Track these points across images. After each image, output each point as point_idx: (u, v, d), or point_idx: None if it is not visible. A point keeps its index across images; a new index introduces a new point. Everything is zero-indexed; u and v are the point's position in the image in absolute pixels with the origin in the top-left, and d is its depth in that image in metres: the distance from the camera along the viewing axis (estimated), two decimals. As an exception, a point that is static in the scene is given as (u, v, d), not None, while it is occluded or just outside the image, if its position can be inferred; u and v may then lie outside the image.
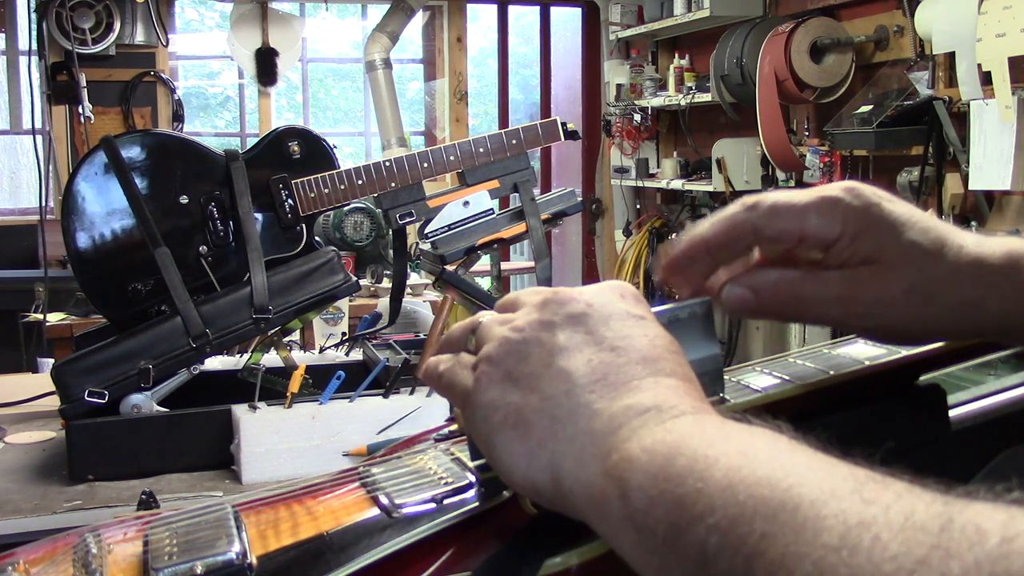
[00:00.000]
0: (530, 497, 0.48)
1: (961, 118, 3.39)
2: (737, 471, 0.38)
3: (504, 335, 0.50)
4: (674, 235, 5.50)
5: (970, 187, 3.38)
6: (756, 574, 0.34)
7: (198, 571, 0.51)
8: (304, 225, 1.75)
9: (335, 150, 1.81)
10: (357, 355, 2.00)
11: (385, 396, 1.60)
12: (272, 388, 1.66)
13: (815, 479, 0.36)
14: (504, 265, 4.22)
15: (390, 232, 2.64)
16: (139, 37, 5.54)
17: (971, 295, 0.54)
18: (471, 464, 0.58)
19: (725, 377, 0.59)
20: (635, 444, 0.42)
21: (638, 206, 5.99)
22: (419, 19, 6.21)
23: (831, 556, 0.33)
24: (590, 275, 6.34)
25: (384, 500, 0.57)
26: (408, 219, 1.80)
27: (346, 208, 4.08)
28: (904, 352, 0.63)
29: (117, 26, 5.39)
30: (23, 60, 5.06)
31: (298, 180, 1.74)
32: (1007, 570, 0.29)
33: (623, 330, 0.48)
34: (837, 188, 0.55)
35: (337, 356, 2.00)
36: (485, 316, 0.53)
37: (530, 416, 0.46)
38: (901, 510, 0.33)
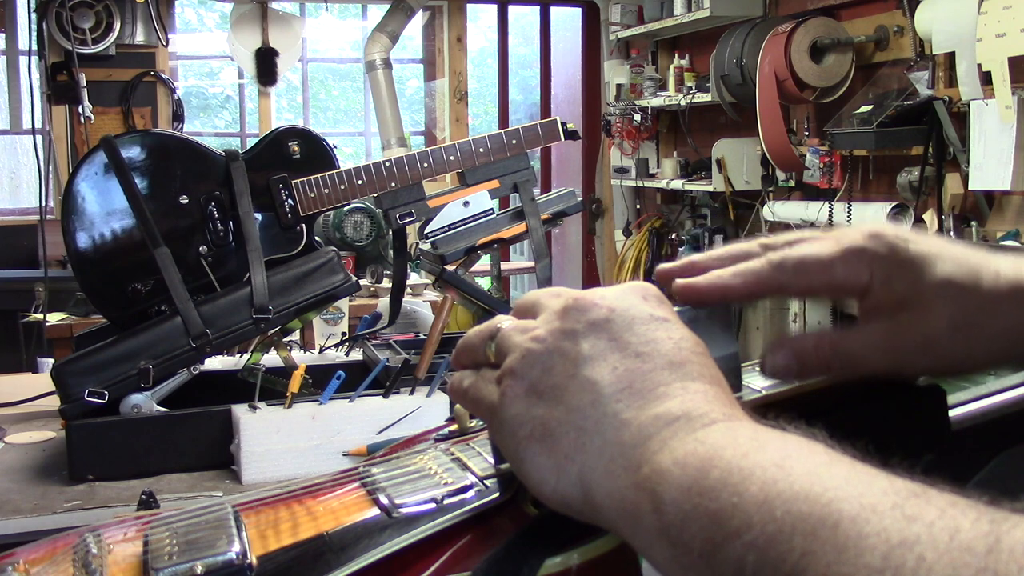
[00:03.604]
0: (562, 511, 0.47)
1: (961, 118, 3.39)
2: (773, 484, 0.37)
3: (526, 346, 0.48)
4: (673, 235, 5.52)
5: (970, 187, 3.38)
6: None
7: (198, 571, 0.51)
8: (304, 225, 1.75)
9: (335, 150, 1.81)
10: (357, 355, 2.00)
11: (385, 396, 1.60)
12: (272, 388, 1.67)
13: (854, 493, 0.35)
14: (504, 265, 4.22)
15: (390, 232, 2.64)
16: (139, 37, 5.54)
17: (1016, 320, 0.53)
18: (498, 467, 0.57)
19: None
20: (667, 456, 0.41)
21: (638, 206, 5.99)
22: (419, 19, 6.21)
23: None
24: (590, 275, 6.34)
25: (384, 500, 0.57)
26: (408, 219, 1.80)
27: (346, 208, 4.08)
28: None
29: (117, 26, 5.39)
30: (23, 60, 5.05)
31: (298, 180, 1.74)
32: None
33: (647, 334, 0.47)
34: (861, 236, 0.54)
35: (337, 356, 2.00)
36: (504, 322, 0.52)
37: (556, 429, 0.46)
38: (945, 527, 0.32)
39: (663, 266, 0.57)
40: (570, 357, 0.47)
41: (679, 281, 0.55)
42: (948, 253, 0.54)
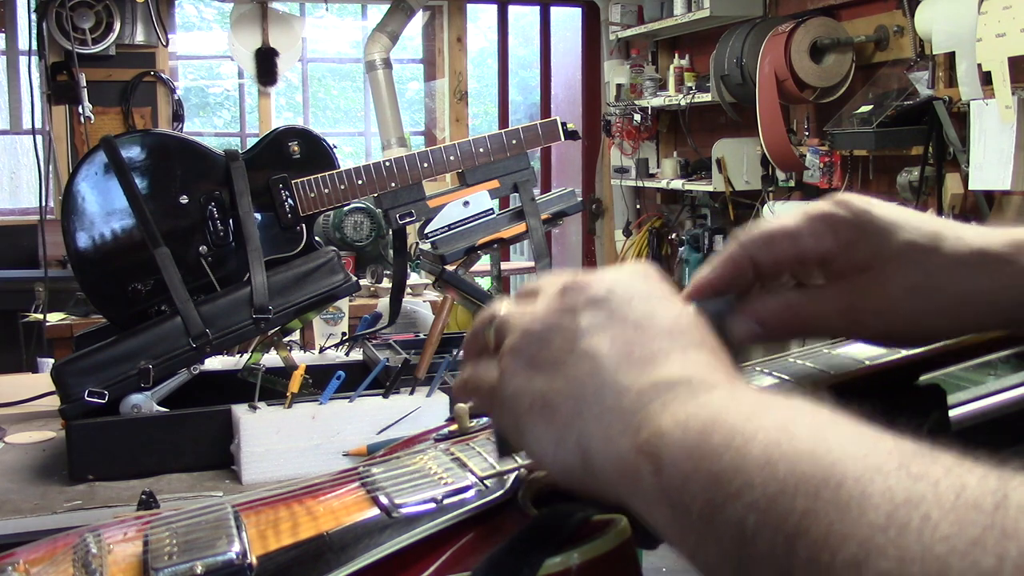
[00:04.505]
0: (562, 481, 0.47)
1: (961, 118, 3.39)
2: (776, 446, 0.36)
3: (525, 325, 0.49)
4: (673, 236, 5.52)
5: (970, 187, 3.38)
6: (798, 554, 0.33)
7: (198, 571, 0.51)
8: (304, 225, 1.75)
9: (335, 150, 1.81)
10: (357, 355, 2.00)
11: (385, 396, 1.60)
12: (272, 388, 1.67)
13: (859, 453, 0.34)
14: (504, 265, 4.22)
15: (390, 232, 2.64)
16: (139, 37, 5.54)
17: (974, 285, 0.53)
18: (498, 466, 0.57)
19: None
20: (668, 418, 0.41)
21: (638, 206, 5.99)
22: (419, 19, 6.21)
23: (878, 536, 0.31)
24: (590, 275, 6.33)
25: (384, 500, 0.57)
26: (408, 219, 1.80)
27: (346, 208, 4.08)
28: (904, 352, 0.63)
29: (117, 26, 5.38)
30: (23, 60, 5.05)
31: (298, 180, 1.74)
32: None
33: (646, 308, 0.47)
34: (826, 203, 0.55)
35: (337, 356, 2.00)
36: (503, 308, 0.52)
37: (555, 399, 0.46)
38: (951, 486, 0.31)
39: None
40: (569, 331, 0.47)
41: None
42: (914, 220, 0.54)
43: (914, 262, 0.53)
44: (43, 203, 3.26)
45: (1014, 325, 0.56)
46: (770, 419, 0.38)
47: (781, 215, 0.56)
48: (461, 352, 0.56)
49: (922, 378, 0.64)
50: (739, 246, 0.55)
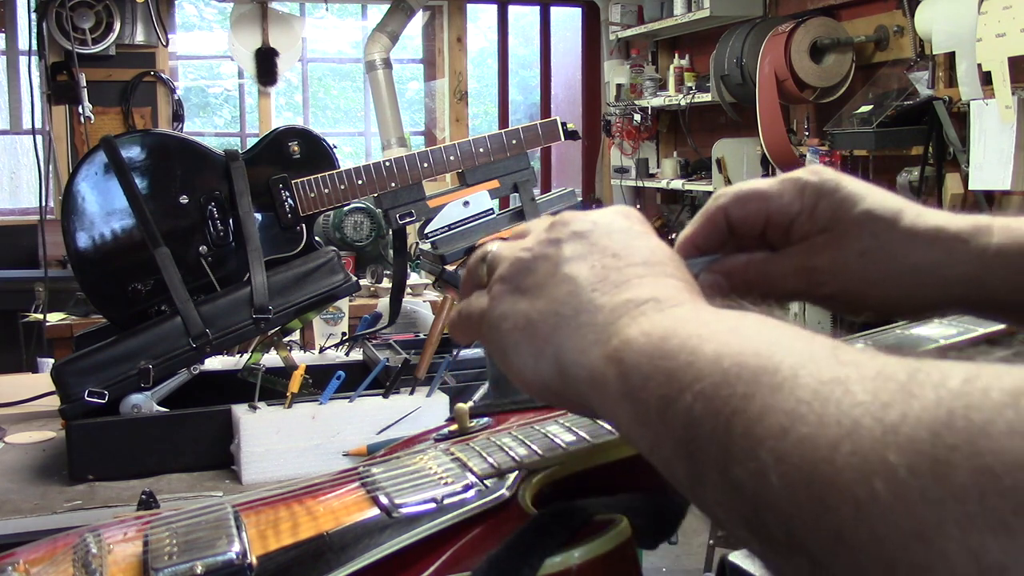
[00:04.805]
0: (541, 397, 0.50)
1: (961, 118, 3.39)
2: (726, 345, 0.39)
3: (514, 255, 0.52)
4: (673, 235, 5.50)
5: (970, 187, 3.38)
6: (735, 430, 0.36)
7: (198, 571, 0.51)
8: (304, 225, 1.75)
9: (335, 150, 1.81)
10: (357, 355, 2.00)
11: (385, 396, 1.60)
12: (272, 388, 1.66)
13: (797, 347, 0.38)
14: (504, 265, 4.21)
15: (390, 232, 2.64)
16: (139, 37, 5.54)
17: (927, 258, 0.56)
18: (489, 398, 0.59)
19: None
20: (634, 329, 0.44)
21: (638, 206, 5.99)
22: (419, 19, 6.21)
23: (802, 407, 0.34)
24: (590, 275, 6.33)
25: (384, 500, 0.57)
26: (408, 219, 1.80)
27: (346, 208, 4.08)
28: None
29: (117, 26, 5.38)
30: (23, 60, 5.05)
31: (298, 180, 1.74)
32: (966, 405, 0.30)
33: (626, 241, 0.51)
34: (800, 170, 0.60)
35: (337, 356, 2.00)
36: (494, 244, 0.55)
37: (537, 319, 0.49)
38: (874, 366, 0.34)
39: None
40: (552, 259, 0.51)
41: None
42: (879, 195, 0.58)
43: (869, 229, 0.56)
44: (43, 203, 3.25)
45: (966, 305, 0.58)
46: (723, 325, 0.42)
47: (758, 179, 0.60)
48: (458, 289, 0.58)
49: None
50: (715, 203, 0.60)
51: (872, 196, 0.57)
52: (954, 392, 0.31)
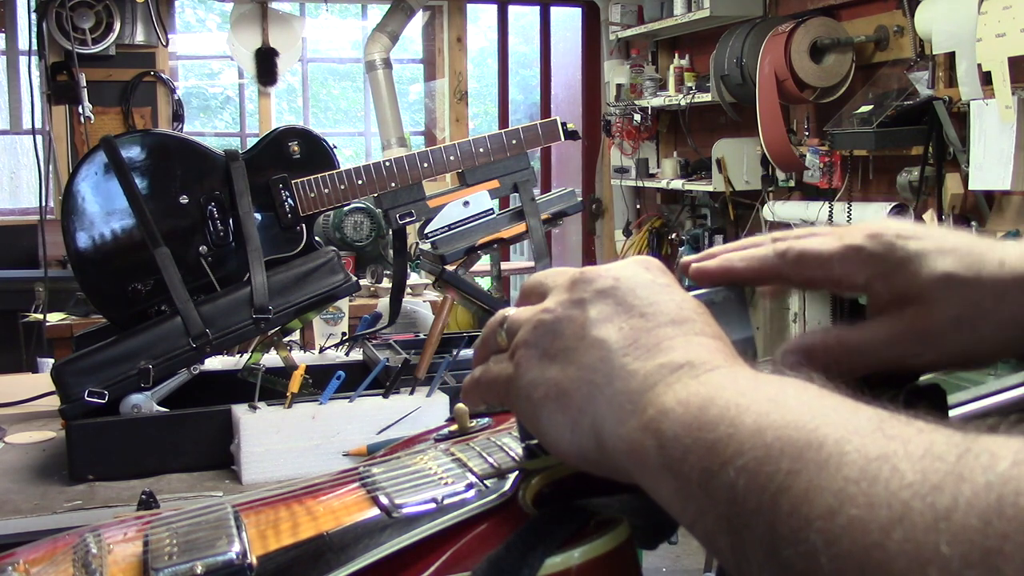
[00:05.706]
0: (578, 465, 0.49)
1: (961, 118, 3.39)
2: (766, 416, 0.39)
3: (536, 319, 0.51)
4: (674, 235, 5.53)
5: (970, 187, 3.38)
6: (782, 508, 0.35)
7: (198, 571, 0.51)
8: (304, 225, 1.75)
9: (335, 150, 1.81)
10: (357, 355, 2.00)
11: (385, 396, 1.60)
12: (272, 388, 1.67)
13: (840, 420, 0.37)
14: (504, 265, 4.22)
15: (390, 232, 2.64)
16: (139, 37, 5.54)
17: (1021, 308, 0.53)
18: (520, 447, 0.58)
19: None
20: (670, 397, 0.44)
21: (638, 206, 5.99)
22: (419, 19, 6.21)
23: (851, 487, 0.34)
24: (590, 275, 6.32)
25: (384, 500, 0.57)
26: (408, 219, 1.80)
27: (346, 208, 4.08)
28: None
29: (117, 26, 5.38)
30: (23, 60, 5.05)
31: (298, 180, 1.74)
32: (1016, 490, 0.30)
33: (651, 297, 0.50)
34: (860, 234, 0.55)
35: (337, 356, 2.00)
36: (510, 310, 0.54)
37: (569, 387, 0.48)
38: (921, 443, 0.34)
39: (687, 258, 0.61)
40: (578, 322, 0.49)
41: (693, 265, 0.59)
42: (949, 246, 0.54)
43: (955, 292, 0.53)
44: (43, 203, 3.26)
45: None
46: (762, 394, 0.41)
47: (819, 235, 0.56)
48: (472, 353, 0.57)
49: (922, 378, 0.64)
50: (774, 256, 0.57)
51: (946, 250, 0.53)
52: (1004, 477, 0.31)
